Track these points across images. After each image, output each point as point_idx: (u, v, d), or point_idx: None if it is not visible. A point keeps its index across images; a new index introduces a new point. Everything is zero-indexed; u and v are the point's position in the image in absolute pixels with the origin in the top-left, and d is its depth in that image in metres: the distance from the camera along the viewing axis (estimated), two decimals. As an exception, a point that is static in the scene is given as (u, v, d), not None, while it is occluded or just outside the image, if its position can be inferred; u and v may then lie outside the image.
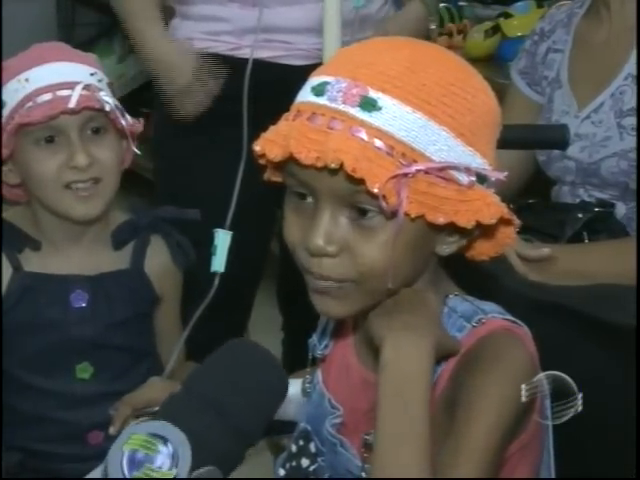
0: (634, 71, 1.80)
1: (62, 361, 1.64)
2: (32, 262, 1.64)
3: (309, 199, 1.09)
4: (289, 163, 1.07)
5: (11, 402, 1.64)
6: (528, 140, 1.79)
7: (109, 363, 1.66)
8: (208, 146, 2.06)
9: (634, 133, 1.78)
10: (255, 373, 1.10)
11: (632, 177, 1.78)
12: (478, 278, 1.21)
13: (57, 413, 1.64)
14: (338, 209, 1.07)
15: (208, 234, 1.58)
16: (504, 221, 1.09)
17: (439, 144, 1.05)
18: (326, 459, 1.22)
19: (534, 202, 1.87)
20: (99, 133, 1.60)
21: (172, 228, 1.70)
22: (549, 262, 1.62)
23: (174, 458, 1.00)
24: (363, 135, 1.03)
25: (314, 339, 1.28)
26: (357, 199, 1.06)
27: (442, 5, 3.37)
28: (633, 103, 1.79)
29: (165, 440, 1.00)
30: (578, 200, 1.85)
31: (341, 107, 1.04)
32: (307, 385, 1.28)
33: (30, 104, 1.55)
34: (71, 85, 1.55)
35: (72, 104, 1.54)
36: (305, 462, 1.23)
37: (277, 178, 1.14)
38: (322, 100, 1.06)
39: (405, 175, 1.02)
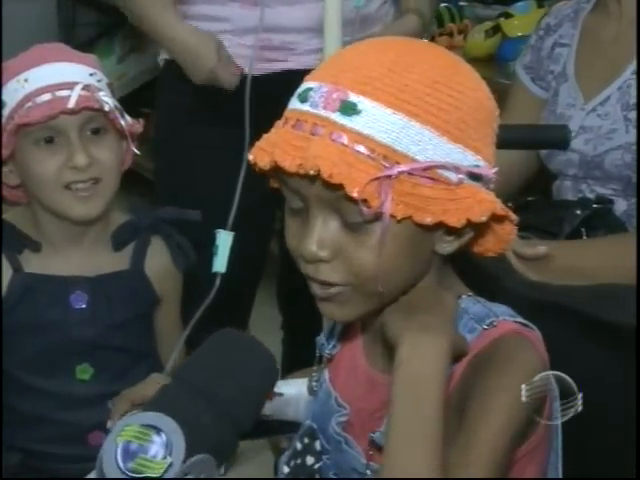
0: None
1: (62, 362, 1.64)
2: (32, 263, 1.64)
3: (302, 206, 1.09)
4: (279, 171, 1.07)
5: (11, 402, 1.64)
6: (529, 140, 1.78)
7: (109, 364, 1.66)
8: (208, 146, 2.06)
9: None
10: (243, 359, 1.11)
11: (635, 170, 1.78)
12: (478, 278, 1.21)
13: (57, 414, 1.64)
14: (329, 214, 1.07)
15: (208, 234, 1.58)
16: (499, 217, 1.08)
17: (422, 144, 1.03)
18: (331, 457, 1.22)
19: (533, 200, 1.87)
20: (99, 133, 1.60)
21: (172, 229, 1.70)
22: (547, 260, 1.62)
23: (167, 447, 1.00)
24: (344, 140, 1.02)
25: (322, 338, 1.28)
26: (342, 204, 1.05)
27: (442, 5, 3.38)
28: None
29: (158, 430, 1.01)
30: (579, 195, 1.85)
31: (322, 112, 1.04)
32: (314, 383, 1.27)
33: (29, 104, 1.55)
34: (70, 85, 1.55)
35: (71, 104, 1.54)
36: (310, 460, 1.23)
37: (277, 184, 1.14)
38: (305, 106, 1.05)
39: (387, 177, 1.01)
